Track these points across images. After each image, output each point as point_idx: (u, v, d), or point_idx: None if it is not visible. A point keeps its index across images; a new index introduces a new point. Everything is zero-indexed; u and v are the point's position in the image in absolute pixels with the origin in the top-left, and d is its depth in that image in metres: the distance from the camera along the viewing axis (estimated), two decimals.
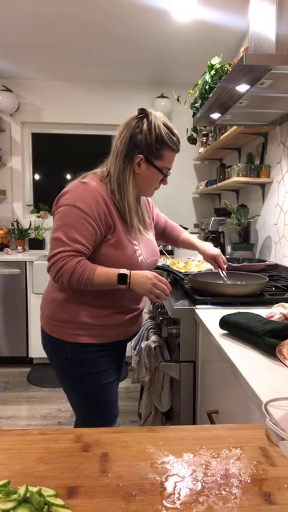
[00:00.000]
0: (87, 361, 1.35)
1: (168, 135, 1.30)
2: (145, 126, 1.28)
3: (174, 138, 1.32)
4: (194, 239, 1.72)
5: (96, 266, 1.25)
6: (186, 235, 1.73)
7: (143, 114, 1.30)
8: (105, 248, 1.29)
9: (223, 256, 1.65)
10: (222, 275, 1.64)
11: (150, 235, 1.47)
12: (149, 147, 1.29)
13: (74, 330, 1.33)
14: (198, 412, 1.48)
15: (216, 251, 1.65)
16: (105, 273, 1.24)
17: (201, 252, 1.67)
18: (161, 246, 2.36)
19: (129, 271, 1.26)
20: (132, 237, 1.33)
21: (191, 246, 1.71)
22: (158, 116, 1.31)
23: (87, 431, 0.66)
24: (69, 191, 1.28)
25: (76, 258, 1.22)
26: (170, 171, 1.39)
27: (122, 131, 1.31)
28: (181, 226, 1.79)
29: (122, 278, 1.24)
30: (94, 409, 1.41)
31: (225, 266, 1.66)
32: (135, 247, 1.34)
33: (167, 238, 1.72)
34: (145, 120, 1.29)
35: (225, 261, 1.67)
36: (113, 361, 1.42)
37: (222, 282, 1.63)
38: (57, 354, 1.39)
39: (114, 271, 1.25)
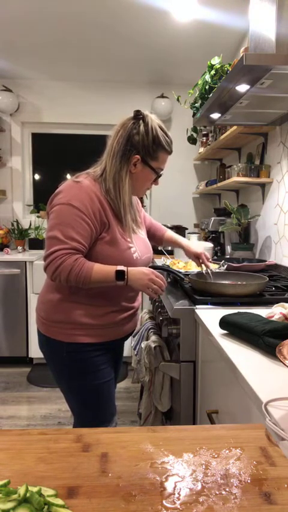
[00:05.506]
0: (83, 361, 1.36)
1: (163, 137, 1.35)
2: (142, 127, 1.32)
3: (168, 139, 1.37)
4: (178, 237, 1.76)
5: (94, 263, 1.26)
6: (170, 233, 1.76)
7: (140, 115, 1.33)
8: (101, 246, 1.30)
9: (207, 254, 1.68)
10: (206, 272, 1.67)
11: (143, 234, 1.50)
12: (145, 148, 1.33)
13: (70, 330, 1.33)
14: (198, 412, 1.48)
15: (200, 249, 1.68)
16: (103, 270, 1.26)
17: (185, 249, 1.69)
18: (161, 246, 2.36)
19: (126, 267, 1.28)
20: (126, 235, 1.35)
21: (175, 244, 1.75)
22: (153, 118, 1.35)
23: (87, 431, 0.66)
24: (63, 190, 1.29)
25: (74, 256, 1.23)
26: (162, 172, 1.42)
27: (119, 131, 1.33)
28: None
29: (120, 274, 1.26)
30: (91, 408, 1.41)
31: (209, 263, 1.69)
32: (130, 245, 1.35)
33: (152, 238, 1.73)
34: (141, 121, 1.32)
35: (209, 257, 1.70)
36: (109, 360, 1.42)
37: (224, 282, 1.64)
38: (53, 354, 1.39)
39: (111, 268, 1.26)
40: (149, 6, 2.61)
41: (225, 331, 1.18)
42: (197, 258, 1.68)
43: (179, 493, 0.51)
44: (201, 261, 1.67)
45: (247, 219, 2.62)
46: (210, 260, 1.73)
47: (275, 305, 1.26)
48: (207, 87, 2.07)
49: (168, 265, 2.01)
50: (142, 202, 3.82)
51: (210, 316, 1.35)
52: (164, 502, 0.49)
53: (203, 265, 1.68)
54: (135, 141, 1.31)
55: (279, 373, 0.90)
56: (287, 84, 1.60)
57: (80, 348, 1.34)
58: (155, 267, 1.42)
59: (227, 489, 0.52)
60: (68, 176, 4.12)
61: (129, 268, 1.28)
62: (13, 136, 3.83)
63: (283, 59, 1.39)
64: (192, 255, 1.68)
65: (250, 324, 1.09)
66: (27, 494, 0.46)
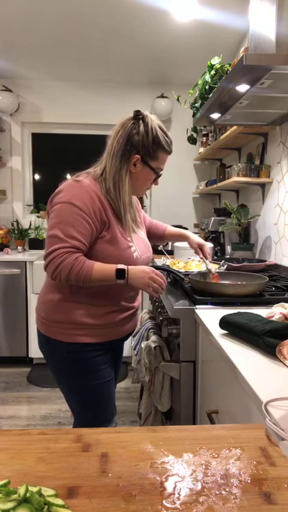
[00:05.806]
0: (83, 361, 1.36)
1: (163, 137, 1.36)
2: (142, 127, 1.32)
3: (168, 140, 1.38)
4: (180, 229, 1.79)
5: (94, 262, 1.26)
6: (172, 228, 1.79)
7: (139, 115, 1.33)
8: (101, 244, 1.30)
9: (208, 248, 1.72)
10: (206, 263, 1.70)
11: (142, 233, 1.50)
12: (145, 148, 1.33)
13: (70, 330, 1.33)
14: (198, 412, 1.48)
15: (203, 241, 1.72)
16: (103, 268, 1.26)
17: (189, 240, 1.72)
18: (161, 246, 2.36)
19: (126, 266, 1.28)
20: (126, 234, 1.35)
21: (178, 236, 1.78)
22: (153, 119, 1.36)
23: (87, 431, 0.66)
24: (64, 189, 1.29)
25: (74, 255, 1.23)
26: (162, 172, 1.43)
27: (119, 131, 1.34)
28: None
29: (120, 273, 1.26)
30: (91, 408, 1.41)
31: (209, 256, 1.72)
32: (130, 244, 1.36)
33: (152, 236, 1.74)
34: (141, 122, 1.33)
35: (209, 252, 1.74)
36: (109, 360, 1.43)
37: (224, 282, 1.63)
38: (54, 354, 1.39)
39: (112, 267, 1.27)
40: (149, 6, 2.61)
41: (225, 331, 1.18)
42: (200, 248, 1.70)
43: (179, 493, 0.51)
44: (202, 253, 1.70)
45: (247, 219, 2.62)
46: (211, 260, 1.74)
47: (275, 305, 1.26)
48: (207, 87, 2.07)
49: (168, 265, 2.01)
50: (142, 202, 3.83)
51: (210, 316, 1.35)
52: (164, 502, 0.49)
53: (203, 263, 1.69)
54: (135, 141, 1.32)
55: (279, 373, 0.90)
56: (287, 84, 1.60)
57: (80, 348, 1.34)
58: (155, 267, 1.42)
59: (227, 489, 0.52)
60: (68, 176, 4.12)
61: (129, 266, 1.28)
62: (13, 136, 3.83)
63: (283, 59, 1.39)
64: (196, 245, 1.70)
65: (250, 324, 1.09)
66: (27, 494, 0.46)
